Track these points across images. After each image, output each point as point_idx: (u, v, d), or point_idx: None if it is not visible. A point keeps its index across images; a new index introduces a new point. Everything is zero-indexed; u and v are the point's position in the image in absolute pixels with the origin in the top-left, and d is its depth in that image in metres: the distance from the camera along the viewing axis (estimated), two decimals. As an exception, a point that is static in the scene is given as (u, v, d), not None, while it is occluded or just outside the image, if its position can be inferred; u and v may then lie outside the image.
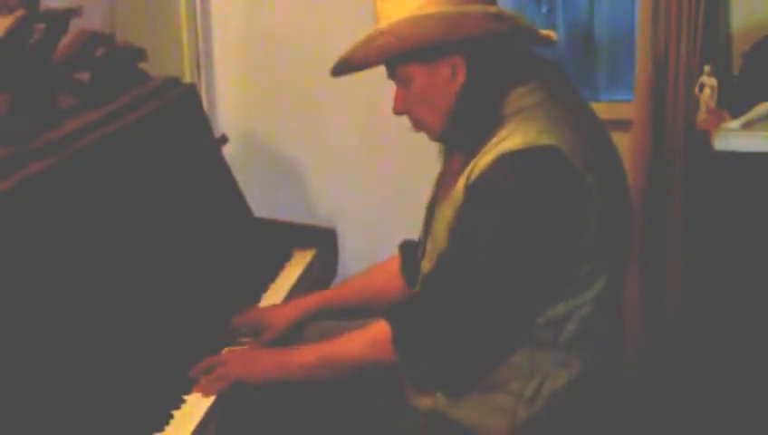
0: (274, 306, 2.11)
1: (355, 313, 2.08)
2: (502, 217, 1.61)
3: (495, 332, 1.66)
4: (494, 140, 1.66)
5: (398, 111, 1.78)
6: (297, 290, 2.24)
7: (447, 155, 1.85)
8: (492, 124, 1.68)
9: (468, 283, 1.63)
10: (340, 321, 2.07)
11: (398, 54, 1.69)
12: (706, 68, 2.69)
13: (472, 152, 1.69)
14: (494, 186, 1.62)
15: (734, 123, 2.56)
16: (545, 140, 1.61)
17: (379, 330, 1.71)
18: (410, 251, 1.97)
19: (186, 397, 1.73)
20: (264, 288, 2.23)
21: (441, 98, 1.71)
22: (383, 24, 1.68)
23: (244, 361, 1.81)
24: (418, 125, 1.78)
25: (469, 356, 1.68)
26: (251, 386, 1.77)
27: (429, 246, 1.81)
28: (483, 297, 1.63)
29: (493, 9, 1.69)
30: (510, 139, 1.63)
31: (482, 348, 1.68)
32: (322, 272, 2.41)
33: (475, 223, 1.64)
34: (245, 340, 1.98)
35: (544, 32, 1.78)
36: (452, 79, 1.70)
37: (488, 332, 1.66)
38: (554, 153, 1.60)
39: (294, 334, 2.06)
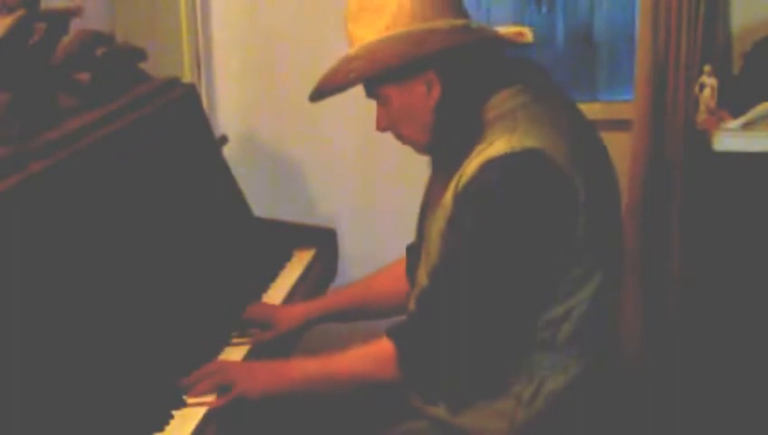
0: (284, 306, 2.13)
1: (362, 315, 2.09)
2: (489, 224, 1.61)
3: (494, 342, 1.66)
4: (479, 146, 1.66)
5: (381, 128, 1.79)
6: (297, 290, 2.24)
7: (435, 165, 1.86)
8: (474, 132, 1.68)
9: (462, 294, 1.63)
10: (347, 323, 2.10)
11: (370, 77, 1.70)
12: (706, 68, 2.68)
13: (458, 161, 1.69)
14: (480, 193, 1.62)
15: (734, 123, 2.56)
16: (529, 143, 1.61)
17: (383, 349, 1.70)
18: (417, 254, 1.97)
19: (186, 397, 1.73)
20: (265, 288, 2.23)
21: (420, 114, 1.72)
22: (354, 48, 1.70)
23: (246, 376, 1.76)
24: (403, 140, 1.80)
25: (474, 368, 1.68)
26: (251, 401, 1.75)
27: (424, 256, 1.81)
28: (479, 307, 1.63)
29: (459, 22, 1.69)
30: (494, 144, 1.63)
31: (483, 359, 1.68)
32: (322, 272, 2.41)
33: (464, 232, 1.64)
34: (251, 332, 2.00)
35: (514, 30, 1.78)
36: (428, 95, 1.71)
37: (489, 341, 1.66)
38: (539, 156, 1.60)
39: (297, 336, 2.08)
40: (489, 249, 1.62)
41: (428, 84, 1.70)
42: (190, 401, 1.71)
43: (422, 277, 1.80)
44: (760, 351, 2.56)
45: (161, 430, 1.63)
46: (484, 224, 1.61)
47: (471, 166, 1.64)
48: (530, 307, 1.66)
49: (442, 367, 1.67)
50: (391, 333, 1.71)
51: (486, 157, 1.62)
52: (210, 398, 1.71)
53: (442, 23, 1.67)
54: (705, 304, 2.65)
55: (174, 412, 1.67)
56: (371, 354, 1.73)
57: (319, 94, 1.77)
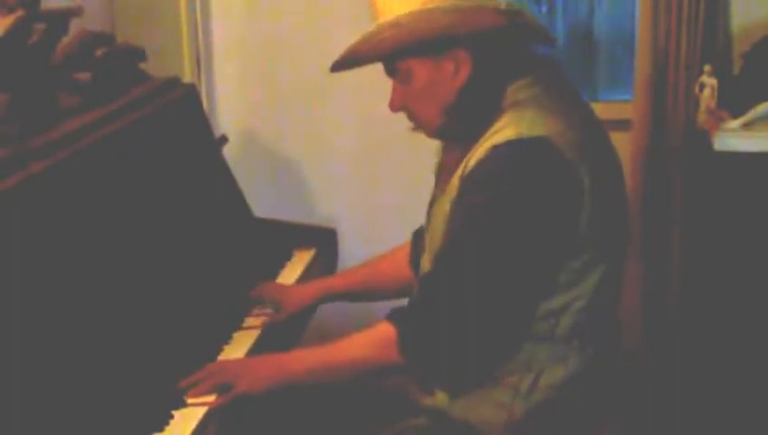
0: (294, 285, 2.17)
1: (368, 297, 2.12)
2: (493, 208, 1.62)
3: (496, 326, 1.67)
4: (489, 132, 1.67)
5: (395, 107, 1.78)
6: (297, 290, 2.24)
7: (445, 150, 1.86)
8: (488, 118, 1.69)
9: (465, 278, 1.64)
10: (354, 302, 2.14)
11: (404, 47, 1.69)
12: (706, 68, 2.68)
13: (468, 146, 1.70)
14: (485, 177, 1.64)
15: (734, 123, 2.55)
16: (536, 131, 1.63)
17: (384, 332, 1.70)
18: (421, 239, 1.97)
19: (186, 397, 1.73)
20: (264, 288, 2.23)
21: (442, 93, 1.72)
22: (389, 17, 1.68)
23: (247, 372, 1.75)
24: (416, 121, 1.79)
25: (474, 352, 1.68)
26: (255, 397, 1.75)
27: (428, 241, 1.82)
28: (480, 292, 1.63)
29: (502, 4, 1.69)
30: (503, 131, 1.65)
31: (485, 343, 1.68)
32: (322, 272, 2.41)
33: (468, 215, 1.65)
34: (262, 312, 2.06)
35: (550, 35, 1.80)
36: (455, 74, 1.70)
37: (489, 327, 1.66)
38: (545, 144, 1.62)
39: (308, 316, 2.15)
40: (492, 233, 1.62)
41: (457, 63, 1.69)
42: (191, 401, 1.70)
43: (426, 263, 1.81)
44: (760, 351, 2.56)
45: (161, 430, 1.63)
46: (488, 208, 1.62)
47: (478, 151, 1.66)
48: (531, 294, 1.66)
49: (442, 350, 1.67)
50: (392, 317, 1.71)
51: (494, 142, 1.64)
52: (210, 398, 1.71)
53: (485, 2, 1.68)
54: (705, 304, 2.65)
55: (174, 412, 1.67)
56: (372, 339, 1.72)
57: (346, 63, 1.74)
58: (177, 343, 1.87)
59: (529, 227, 1.62)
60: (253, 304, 2.08)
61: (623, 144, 2.77)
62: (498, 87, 1.70)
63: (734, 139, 2.54)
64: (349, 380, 1.80)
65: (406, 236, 2.06)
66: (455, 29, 1.66)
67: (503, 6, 1.69)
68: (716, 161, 2.56)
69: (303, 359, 1.78)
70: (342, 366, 1.75)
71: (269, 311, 2.08)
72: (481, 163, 1.64)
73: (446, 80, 1.71)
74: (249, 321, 2.04)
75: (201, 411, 1.68)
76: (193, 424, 1.64)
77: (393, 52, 1.70)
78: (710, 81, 2.67)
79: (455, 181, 1.70)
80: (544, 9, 3.23)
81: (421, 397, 1.80)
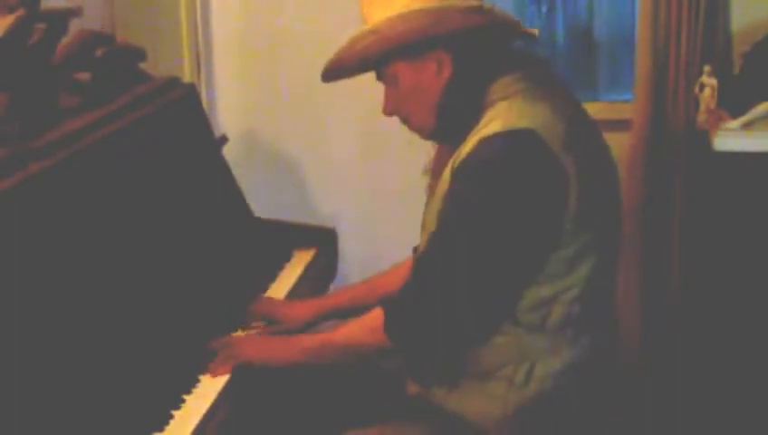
0: (291, 303, 2.17)
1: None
2: (481, 198, 1.64)
3: (480, 313, 1.68)
4: (477, 127, 1.70)
5: (388, 111, 1.81)
6: (297, 290, 2.24)
7: (437, 149, 1.88)
8: (476, 113, 1.72)
9: (451, 264, 1.66)
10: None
11: (384, 53, 1.72)
12: (706, 68, 2.69)
13: (457, 142, 1.72)
14: (473, 169, 1.66)
15: (734, 123, 2.56)
16: (522, 123, 1.65)
17: (376, 317, 1.76)
18: None
19: (186, 397, 1.73)
20: (264, 288, 2.23)
21: (429, 93, 1.75)
22: (369, 24, 1.72)
23: (254, 344, 1.89)
24: (409, 124, 1.82)
25: (457, 338, 1.70)
26: (257, 369, 1.83)
27: (422, 237, 1.83)
28: (465, 278, 1.65)
29: (473, 3, 1.72)
30: (490, 124, 1.67)
31: (468, 329, 1.70)
32: (322, 272, 2.41)
33: (457, 206, 1.67)
34: (256, 325, 2.06)
35: (525, 29, 1.81)
36: (438, 74, 1.73)
37: (473, 313, 1.68)
38: (531, 135, 1.64)
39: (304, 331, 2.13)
40: (480, 223, 1.65)
41: (439, 63, 1.73)
42: (203, 376, 1.78)
43: None
44: (760, 351, 2.56)
45: (161, 430, 1.63)
46: (476, 198, 1.65)
47: (467, 145, 1.68)
48: (514, 281, 1.68)
49: (426, 332, 1.70)
50: (383, 302, 1.77)
51: (481, 136, 1.67)
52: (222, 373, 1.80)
53: (456, 2, 1.71)
54: (705, 304, 2.65)
55: (174, 412, 1.67)
56: (365, 323, 1.80)
57: (332, 73, 1.79)
58: (175, 343, 1.87)
59: (515, 216, 1.64)
60: (249, 318, 2.07)
61: (623, 144, 2.78)
62: (483, 83, 1.73)
63: (734, 139, 2.54)
64: (348, 361, 1.87)
65: (405, 236, 2.06)
66: (430, 30, 1.69)
67: (473, 5, 1.72)
68: (716, 161, 2.56)
69: (305, 339, 1.88)
70: (339, 348, 1.82)
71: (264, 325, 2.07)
72: (470, 155, 1.67)
73: (430, 80, 1.74)
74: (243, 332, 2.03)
75: (201, 412, 1.68)
76: (193, 424, 1.65)
77: (375, 58, 1.74)
78: (710, 81, 2.67)
79: (446, 176, 1.73)
80: (544, 9, 3.23)
81: (417, 391, 1.81)
